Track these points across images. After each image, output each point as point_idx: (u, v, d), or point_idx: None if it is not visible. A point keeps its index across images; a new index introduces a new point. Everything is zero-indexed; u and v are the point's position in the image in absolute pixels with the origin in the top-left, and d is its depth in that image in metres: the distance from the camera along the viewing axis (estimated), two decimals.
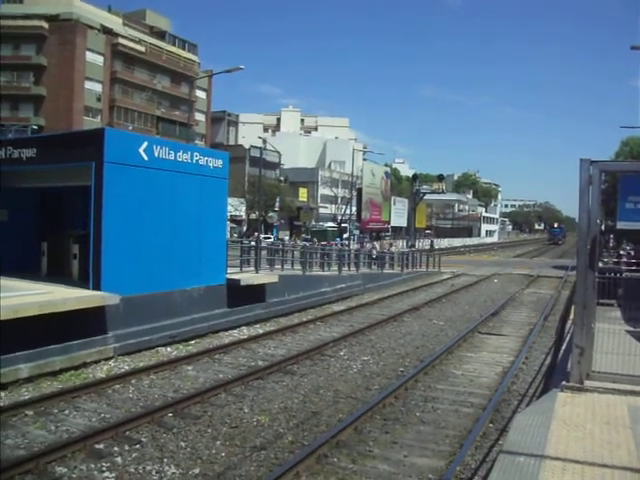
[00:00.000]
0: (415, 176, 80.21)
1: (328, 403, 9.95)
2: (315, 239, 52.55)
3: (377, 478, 7.01)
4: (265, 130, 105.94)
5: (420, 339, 15.66)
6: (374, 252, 34.91)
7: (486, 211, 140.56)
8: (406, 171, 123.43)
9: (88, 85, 63.28)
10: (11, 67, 62.09)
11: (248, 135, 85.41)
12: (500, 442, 7.95)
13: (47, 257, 15.52)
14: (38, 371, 10.65)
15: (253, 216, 60.43)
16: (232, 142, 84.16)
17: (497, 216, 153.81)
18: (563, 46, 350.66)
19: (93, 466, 7.14)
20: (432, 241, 73.67)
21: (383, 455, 7.72)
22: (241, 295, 16.69)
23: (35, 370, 10.60)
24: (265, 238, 45.70)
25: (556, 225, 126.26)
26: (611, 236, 40.48)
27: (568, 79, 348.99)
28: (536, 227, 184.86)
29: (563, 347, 12.05)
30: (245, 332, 15.96)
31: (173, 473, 7.04)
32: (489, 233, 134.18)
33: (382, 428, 8.73)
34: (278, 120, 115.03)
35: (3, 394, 9.78)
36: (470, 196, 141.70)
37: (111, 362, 12.12)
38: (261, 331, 16.16)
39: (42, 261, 15.55)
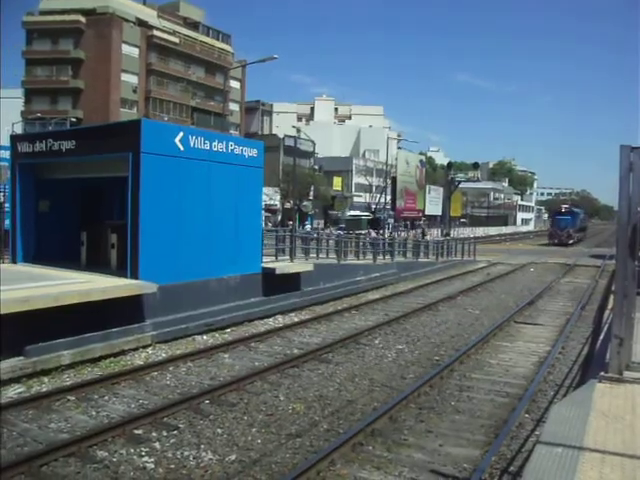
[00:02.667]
0: (450, 164, 79.21)
1: (363, 391, 9.98)
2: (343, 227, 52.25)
3: (412, 467, 7.01)
4: (299, 119, 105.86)
5: (455, 328, 15.57)
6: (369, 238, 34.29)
7: (522, 199, 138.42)
8: (441, 159, 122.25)
9: (124, 77, 64.16)
10: (50, 61, 63.37)
11: (282, 124, 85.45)
12: (536, 433, 7.87)
13: (86, 247, 15.81)
14: (79, 358, 10.92)
15: (288, 205, 60.58)
16: (266, 131, 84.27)
17: (533, 204, 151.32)
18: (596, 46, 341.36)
19: (132, 451, 7.30)
20: (446, 232, 67.66)
21: (418, 444, 7.72)
22: (276, 284, 16.80)
23: (76, 357, 10.87)
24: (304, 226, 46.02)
25: (564, 208, 69.03)
26: None
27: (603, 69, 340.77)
28: None
29: (601, 337, 11.89)
30: (280, 320, 16.08)
31: (210, 459, 7.15)
32: (525, 222, 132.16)
33: (417, 417, 8.72)
34: (312, 109, 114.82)
35: (46, 379, 10.07)
36: (506, 184, 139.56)
37: (149, 350, 12.34)
38: (296, 319, 16.26)
39: (82, 251, 15.86)
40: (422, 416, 8.76)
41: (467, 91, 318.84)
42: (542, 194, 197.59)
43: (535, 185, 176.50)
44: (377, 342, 13.69)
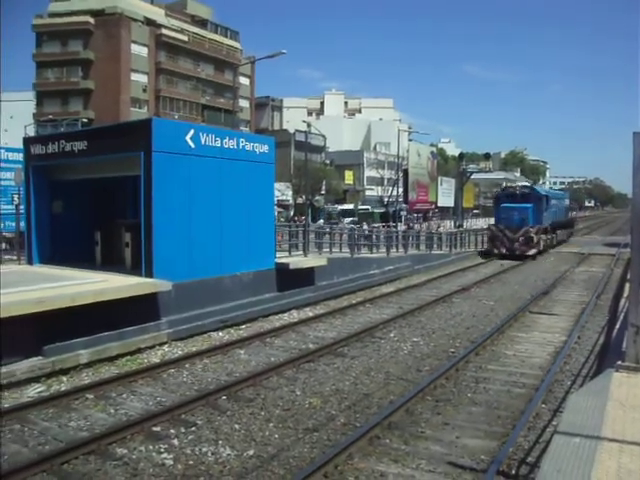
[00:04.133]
0: (461, 155, 78.67)
1: (379, 385, 9.99)
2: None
3: (429, 459, 7.03)
4: (309, 114, 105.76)
5: (470, 320, 15.54)
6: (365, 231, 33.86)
7: None
8: (452, 150, 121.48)
9: (134, 77, 64.37)
10: (60, 63, 63.74)
11: (292, 119, 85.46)
12: (554, 423, 7.85)
13: (101, 246, 15.94)
14: (97, 357, 11.02)
15: (300, 200, 60.60)
16: (277, 127, 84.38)
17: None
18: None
19: (151, 447, 7.37)
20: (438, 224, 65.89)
21: (435, 436, 7.73)
22: (290, 279, 16.84)
23: (94, 356, 10.98)
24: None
25: (518, 189, 36.71)
26: None
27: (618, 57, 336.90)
28: (586, 204, 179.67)
29: (617, 326, 11.84)
30: (295, 315, 16.12)
31: (228, 454, 7.20)
32: None
33: (434, 409, 8.73)
34: (321, 104, 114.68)
35: (65, 378, 10.18)
36: (518, 174, 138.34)
37: (165, 347, 12.43)
38: (311, 314, 16.30)
39: (96, 250, 15.99)
40: (439, 408, 8.77)
41: (477, 81, 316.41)
42: (555, 183, 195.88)
43: (547, 174, 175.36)
44: (392, 335, 13.69)
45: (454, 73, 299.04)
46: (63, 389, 9.64)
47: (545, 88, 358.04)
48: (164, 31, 67.15)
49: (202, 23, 74.54)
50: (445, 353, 12.11)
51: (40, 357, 10.27)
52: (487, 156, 78.83)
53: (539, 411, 8.57)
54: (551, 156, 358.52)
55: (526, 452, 7.16)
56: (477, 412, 8.66)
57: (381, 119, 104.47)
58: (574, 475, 4.83)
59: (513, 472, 6.65)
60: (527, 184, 44.85)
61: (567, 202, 49.61)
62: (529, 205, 33.34)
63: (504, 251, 32.59)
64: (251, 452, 7.27)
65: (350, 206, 67.38)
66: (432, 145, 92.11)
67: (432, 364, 11.25)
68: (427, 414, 8.53)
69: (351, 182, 77.66)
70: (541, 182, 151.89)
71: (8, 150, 26.17)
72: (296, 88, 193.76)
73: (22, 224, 17.44)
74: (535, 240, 32.31)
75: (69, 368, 10.49)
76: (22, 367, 9.91)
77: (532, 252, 32.22)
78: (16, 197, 19.96)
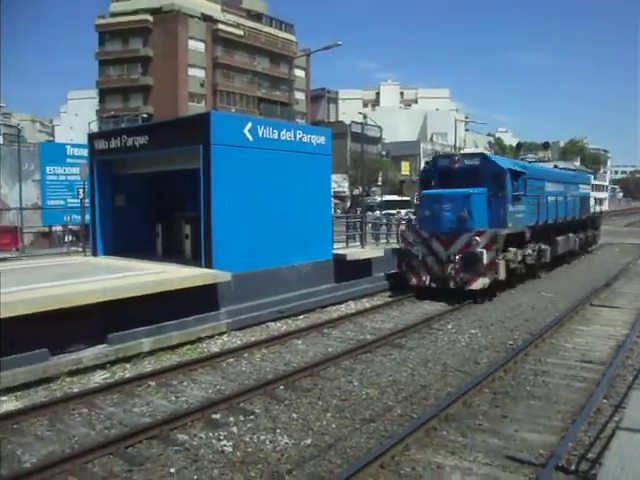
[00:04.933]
0: (519, 145, 77.28)
1: (436, 376, 9.93)
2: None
3: (487, 452, 6.95)
4: (365, 105, 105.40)
5: (529, 312, 15.23)
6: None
7: (595, 178, 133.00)
8: (509, 140, 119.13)
9: (191, 72, 65.64)
10: (121, 61, 65.55)
11: (348, 111, 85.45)
12: (615, 419, 7.64)
13: (162, 238, 16.35)
14: (158, 345, 11.33)
15: (356, 192, 60.54)
16: (332, 119, 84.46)
17: (607, 183, 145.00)
18: None
19: (211, 435, 7.53)
20: None
21: (493, 429, 7.64)
22: (348, 270, 16.87)
23: (156, 344, 11.28)
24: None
25: (458, 160, 18.43)
26: None
27: None
28: None
29: None
30: (352, 306, 16.15)
31: (286, 443, 7.28)
32: (598, 201, 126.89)
33: (491, 402, 8.63)
34: (377, 95, 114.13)
35: (128, 366, 10.53)
36: (578, 163, 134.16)
37: (224, 337, 12.66)
38: (368, 305, 16.28)
39: (157, 242, 16.42)
40: (497, 401, 8.66)
41: (535, 69, 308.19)
42: (616, 172, 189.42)
43: (609, 163, 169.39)
44: (450, 327, 13.56)
45: (510, 62, 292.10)
46: (127, 376, 9.96)
47: (607, 75, 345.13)
48: (220, 26, 68.17)
49: (257, 17, 75.27)
50: (503, 345, 11.93)
51: (105, 345, 10.64)
52: (546, 145, 77.04)
53: (600, 406, 8.34)
54: (613, 145, 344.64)
55: (587, 448, 6.99)
56: (536, 406, 8.51)
57: (437, 109, 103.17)
58: (639, 473, 4.71)
59: (573, 468, 6.48)
60: (477, 151, 24.14)
61: (585, 188, 29.80)
62: (476, 191, 17.30)
63: (427, 281, 16.98)
64: (308, 441, 7.34)
65: (394, 197, 66.51)
66: (489, 135, 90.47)
67: (490, 356, 11.10)
68: (485, 406, 8.44)
69: (408, 173, 77.05)
70: (602, 171, 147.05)
71: (74, 146, 27.14)
72: (351, 79, 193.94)
73: (87, 217, 18.07)
74: (486, 260, 16.05)
75: (132, 356, 10.82)
76: (88, 354, 10.29)
77: (478, 285, 16.11)
78: (81, 191, 20.71)
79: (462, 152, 17.65)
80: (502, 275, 16.55)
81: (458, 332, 13.03)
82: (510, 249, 17.44)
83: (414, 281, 17.17)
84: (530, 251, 19.10)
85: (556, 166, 29.61)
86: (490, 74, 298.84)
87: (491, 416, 8.08)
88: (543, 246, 20.51)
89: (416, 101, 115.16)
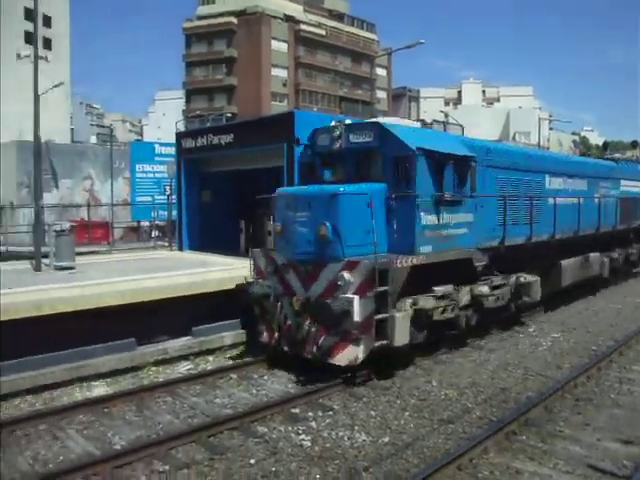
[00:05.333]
0: (605, 144, 73.68)
1: (517, 380, 9.69)
2: None
3: (567, 460, 6.71)
4: (446, 104, 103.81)
5: (614, 317, 14.55)
6: None
7: None
8: (595, 139, 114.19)
9: (274, 72, 66.59)
10: (206, 62, 67.39)
11: (429, 110, 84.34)
12: None
13: (245, 234, 16.68)
14: (240, 339, 11.58)
15: None
16: (414, 117, 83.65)
17: None
18: None
19: (290, 428, 7.65)
20: None
21: (574, 436, 7.37)
22: None
23: (237, 338, 11.54)
24: None
25: (339, 132, 10.82)
26: None
27: None
28: None
29: None
30: None
31: (364, 440, 7.30)
32: None
33: (573, 408, 8.33)
34: (459, 93, 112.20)
35: (211, 358, 10.86)
36: None
37: None
38: None
39: (240, 238, 16.76)
40: (579, 408, 8.36)
41: (621, 65, 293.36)
42: None
43: None
44: (531, 330, 13.19)
45: (595, 57, 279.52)
46: (209, 368, 10.27)
47: None
48: (302, 26, 68.83)
49: (339, 17, 75.48)
50: (586, 351, 11.46)
51: (189, 337, 10.99)
52: (634, 144, 73.01)
53: None
54: None
55: None
56: (620, 415, 8.14)
57: (520, 107, 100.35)
58: None
59: None
60: (371, 120, 11.73)
61: (634, 185, 20.54)
62: (350, 189, 9.76)
63: (272, 341, 10.24)
64: (386, 439, 7.33)
65: None
66: (574, 134, 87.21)
67: (572, 361, 10.71)
68: (566, 413, 8.17)
69: None
70: None
71: (162, 145, 28.13)
72: (433, 78, 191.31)
73: (173, 213, 18.70)
74: (358, 314, 8.89)
75: (215, 349, 11.14)
76: (174, 345, 10.67)
77: (343, 358, 9.13)
78: (167, 188, 21.45)
79: (347, 122, 10.97)
80: (402, 338, 9.36)
81: (540, 335, 12.54)
82: (436, 289, 10.31)
83: (265, 337, 10.52)
84: (486, 289, 11.41)
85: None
86: (575, 73, 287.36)
87: (572, 423, 7.77)
88: (526, 277, 12.79)
89: (498, 99, 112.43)
